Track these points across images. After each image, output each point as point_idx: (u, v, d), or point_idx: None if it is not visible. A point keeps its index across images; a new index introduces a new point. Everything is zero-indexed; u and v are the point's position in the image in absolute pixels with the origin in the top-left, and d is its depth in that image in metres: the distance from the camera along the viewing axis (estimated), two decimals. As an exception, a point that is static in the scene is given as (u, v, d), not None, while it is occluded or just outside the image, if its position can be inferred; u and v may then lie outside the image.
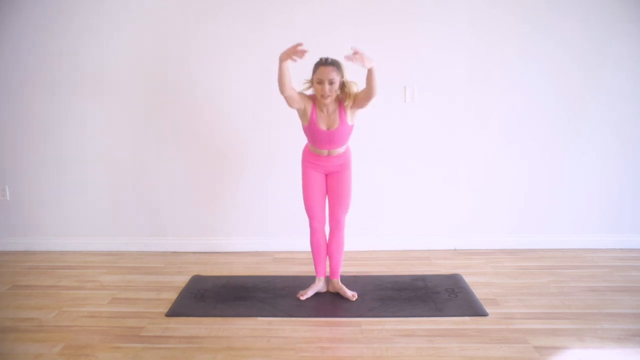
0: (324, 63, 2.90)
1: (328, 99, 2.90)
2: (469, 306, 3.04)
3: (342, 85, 2.95)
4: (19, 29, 3.92)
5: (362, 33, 3.81)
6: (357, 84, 2.96)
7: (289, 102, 2.93)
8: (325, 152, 3.07)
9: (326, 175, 3.13)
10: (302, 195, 3.17)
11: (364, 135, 3.82)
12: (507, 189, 4.05)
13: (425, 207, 4.09)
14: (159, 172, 4.09)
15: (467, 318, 2.90)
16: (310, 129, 3.01)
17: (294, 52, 2.75)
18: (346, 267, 3.55)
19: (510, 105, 3.96)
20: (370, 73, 2.82)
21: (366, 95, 2.90)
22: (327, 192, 3.15)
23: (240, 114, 3.99)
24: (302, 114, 3.01)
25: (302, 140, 3.20)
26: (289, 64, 2.82)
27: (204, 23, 3.89)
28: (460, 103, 3.96)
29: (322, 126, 2.97)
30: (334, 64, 2.90)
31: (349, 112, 2.98)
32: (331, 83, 2.87)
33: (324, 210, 3.18)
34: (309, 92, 3.04)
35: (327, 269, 3.29)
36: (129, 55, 3.96)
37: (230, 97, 3.98)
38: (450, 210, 4.09)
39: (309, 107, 2.97)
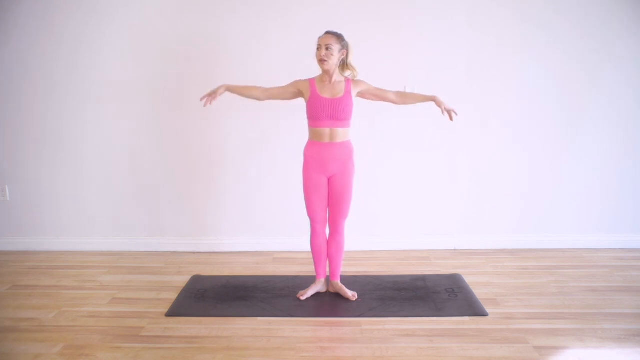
0: (324, 32, 3.01)
1: (325, 64, 2.95)
2: (469, 306, 3.04)
3: (343, 64, 3.03)
4: (18, 28, 3.92)
5: (360, 30, 3.77)
6: (356, 70, 3.05)
7: (278, 98, 3.10)
8: (327, 132, 3.01)
9: (328, 179, 3.10)
10: (303, 197, 3.14)
11: (365, 135, 3.82)
12: (507, 189, 4.05)
13: (425, 207, 4.09)
14: (159, 172, 4.09)
15: (467, 318, 2.90)
16: (312, 102, 3.01)
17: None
18: (346, 267, 3.55)
19: (510, 105, 3.96)
20: (423, 100, 3.09)
21: (386, 98, 3.07)
22: (328, 197, 3.13)
23: (241, 113, 3.98)
24: (303, 90, 3.05)
25: (303, 140, 3.18)
26: (226, 89, 3.12)
27: (203, 22, 3.88)
28: (460, 103, 3.94)
29: (326, 95, 3.00)
30: (333, 32, 2.98)
31: (354, 87, 3.04)
32: (327, 48, 2.93)
33: (326, 213, 3.17)
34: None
35: (328, 270, 3.29)
36: (128, 55, 3.95)
37: (230, 96, 3.97)
38: (450, 210, 4.08)
39: (306, 84, 3.05)
